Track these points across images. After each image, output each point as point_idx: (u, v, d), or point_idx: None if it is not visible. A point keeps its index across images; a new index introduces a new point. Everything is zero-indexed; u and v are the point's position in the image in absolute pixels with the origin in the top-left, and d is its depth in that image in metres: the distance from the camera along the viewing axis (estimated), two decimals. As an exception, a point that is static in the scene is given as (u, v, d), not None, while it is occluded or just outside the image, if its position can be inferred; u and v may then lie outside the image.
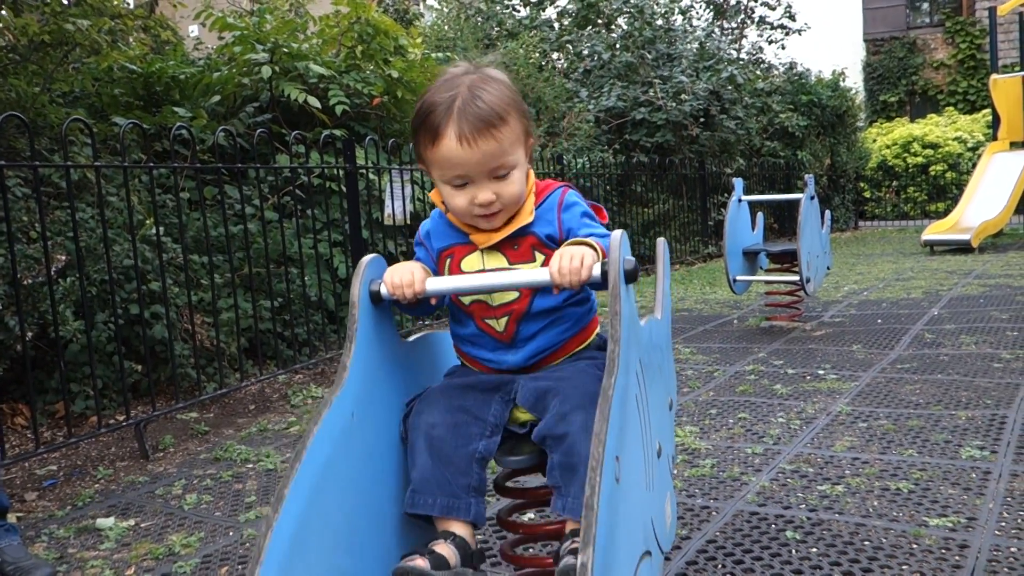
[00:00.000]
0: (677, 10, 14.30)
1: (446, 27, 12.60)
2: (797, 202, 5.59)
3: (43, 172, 4.25)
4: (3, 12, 4.70)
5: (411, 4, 15.10)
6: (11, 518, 2.72)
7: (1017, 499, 2.52)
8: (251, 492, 3.11)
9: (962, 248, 10.14)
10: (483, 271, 1.60)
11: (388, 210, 5.61)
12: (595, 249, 1.46)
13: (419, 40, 7.55)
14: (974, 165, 12.85)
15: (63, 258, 4.23)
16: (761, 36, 16.14)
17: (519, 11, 14.94)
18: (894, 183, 15.96)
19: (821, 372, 4.35)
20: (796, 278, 5.48)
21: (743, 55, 15.50)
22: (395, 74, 6.35)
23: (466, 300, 1.62)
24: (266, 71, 5.87)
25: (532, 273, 1.49)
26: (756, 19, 16.08)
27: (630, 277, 1.40)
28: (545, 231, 1.59)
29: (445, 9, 13.99)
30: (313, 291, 5.25)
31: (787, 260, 5.74)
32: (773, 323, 5.88)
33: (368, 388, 1.49)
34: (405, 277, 1.51)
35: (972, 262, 8.96)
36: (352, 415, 1.44)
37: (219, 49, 6.53)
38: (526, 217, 1.59)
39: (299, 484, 1.31)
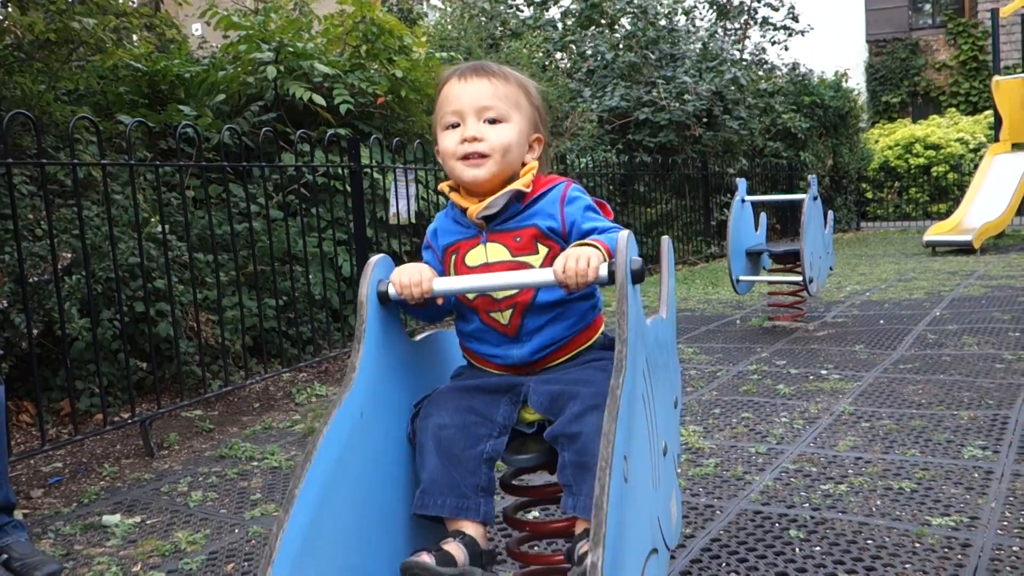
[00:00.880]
0: (680, 10, 14.29)
1: (450, 27, 12.59)
2: (800, 203, 5.60)
3: (49, 170, 4.26)
4: (9, 9, 4.71)
5: (415, 3, 15.10)
6: (17, 514, 2.73)
7: (1019, 499, 2.53)
8: (256, 489, 3.12)
9: (964, 249, 10.13)
10: (487, 264, 1.62)
11: (392, 209, 5.62)
12: (600, 251, 1.47)
13: (423, 39, 7.54)
14: (976, 166, 12.84)
15: (69, 255, 4.25)
16: (764, 37, 16.13)
17: (523, 11, 14.95)
18: (896, 184, 15.94)
19: (824, 372, 4.36)
20: (799, 278, 5.49)
21: (746, 56, 15.48)
22: (399, 73, 6.36)
23: (470, 295, 1.64)
24: (271, 70, 5.88)
25: (538, 273, 1.51)
26: (759, 20, 16.06)
27: (637, 277, 1.41)
28: (547, 224, 1.61)
29: (449, 9, 13.99)
30: (317, 290, 5.26)
31: (790, 260, 5.75)
32: (776, 323, 5.89)
33: (376, 388, 1.50)
34: (413, 277, 1.53)
35: (974, 263, 8.96)
36: (361, 415, 1.45)
37: (224, 48, 6.53)
38: (520, 187, 1.62)
39: (310, 484, 1.31)
